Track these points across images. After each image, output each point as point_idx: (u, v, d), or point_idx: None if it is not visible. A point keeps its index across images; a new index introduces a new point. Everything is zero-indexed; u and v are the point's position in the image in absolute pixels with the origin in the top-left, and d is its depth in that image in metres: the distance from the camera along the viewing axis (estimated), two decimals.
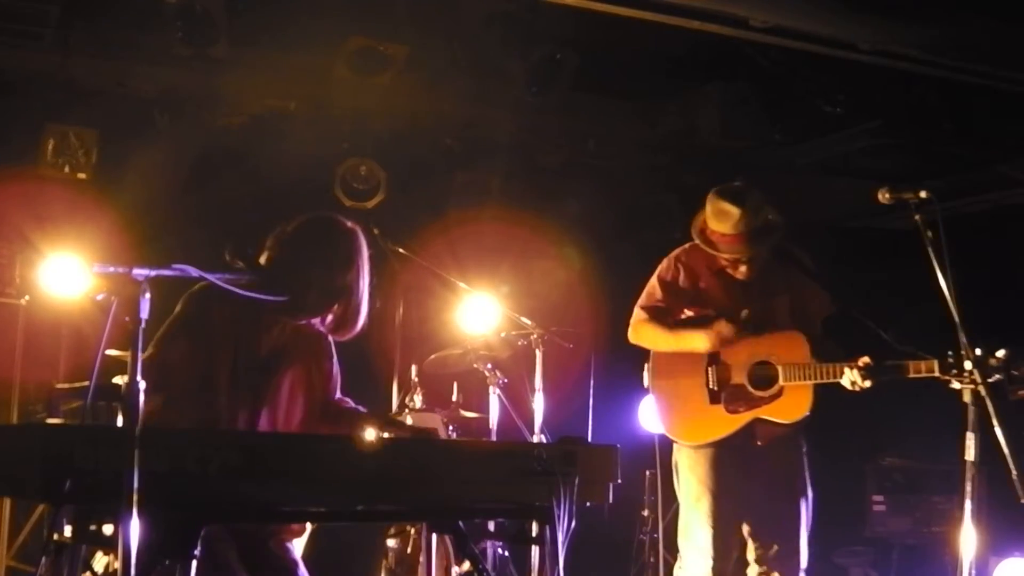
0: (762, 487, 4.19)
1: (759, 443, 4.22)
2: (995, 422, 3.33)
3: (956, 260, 3.61)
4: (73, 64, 5.79)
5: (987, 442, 3.35)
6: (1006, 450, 3.27)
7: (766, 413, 4.18)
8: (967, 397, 3.44)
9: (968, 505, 3.37)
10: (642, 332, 4.38)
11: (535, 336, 4.83)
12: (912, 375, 3.83)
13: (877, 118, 6.49)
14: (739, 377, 4.23)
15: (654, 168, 7.36)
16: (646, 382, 4.44)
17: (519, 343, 4.99)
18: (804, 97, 6.39)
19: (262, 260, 3.33)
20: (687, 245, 4.39)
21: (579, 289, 6.90)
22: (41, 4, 5.43)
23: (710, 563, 4.15)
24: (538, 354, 4.83)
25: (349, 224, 3.46)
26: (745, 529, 4.24)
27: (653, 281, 4.41)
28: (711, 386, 4.26)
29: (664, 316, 4.35)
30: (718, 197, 4.18)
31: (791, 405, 4.15)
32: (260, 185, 6.15)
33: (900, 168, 6.75)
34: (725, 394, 4.23)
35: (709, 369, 4.27)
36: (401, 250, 4.62)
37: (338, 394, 3.57)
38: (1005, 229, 7.01)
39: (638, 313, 4.40)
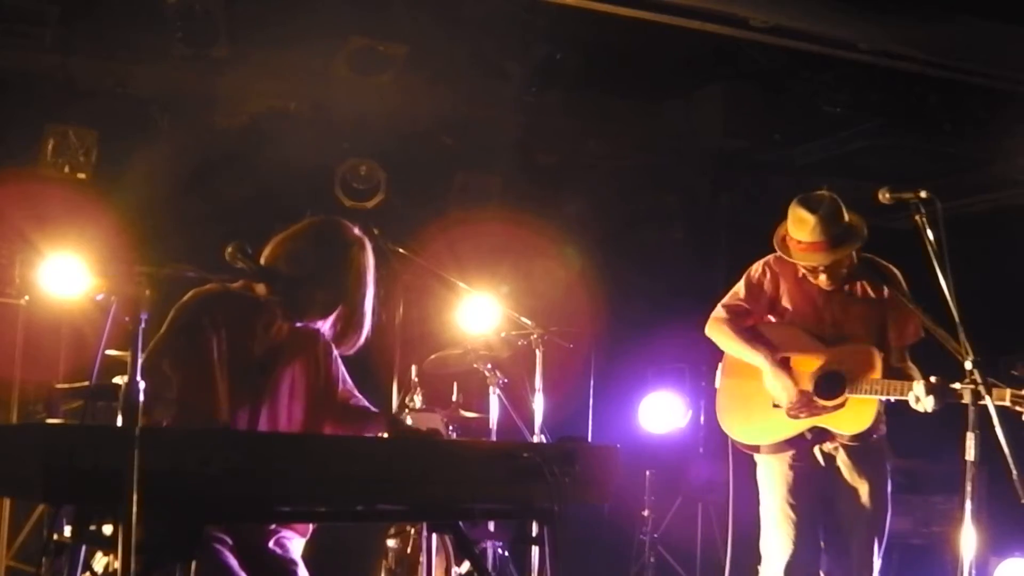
0: (843, 500, 4.19)
1: (836, 447, 4.20)
2: (995, 422, 3.33)
3: (956, 260, 3.61)
4: (73, 64, 5.79)
5: (987, 442, 3.35)
6: (1006, 450, 3.27)
7: (826, 422, 4.15)
8: (967, 397, 3.44)
9: (968, 505, 3.36)
10: (717, 330, 4.37)
11: (535, 336, 4.83)
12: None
13: (877, 118, 6.49)
14: (805, 384, 4.20)
15: (654, 168, 7.37)
16: (717, 381, 4.46)
17: (519, 343, 4.99)
18: (804, 97, 6.39)
19: (264, 260, 3.32)
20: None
21: (579, 289, 6.90)
22: (41, 4, 5.44)
23: (783, 569, 4.14)
24: (538, 354, 4.83)
25: (357, 232, 3.44)
26: (822, 537, 4.23)
27: (741, 281, 4.40)
28: None
29: (744, 317, 4.35)
30: (797, 205, 4.16)
31: (852, 417, 4.11)
32: (260, 185, 6.14)
33: (900, 168, 6.75)
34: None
35: None
36: (401, 250, 4.62)
37: (352, 392, 3.55)
38: (1005, 229, 7.01)
39: (719, 311, 4.39)
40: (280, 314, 3.33)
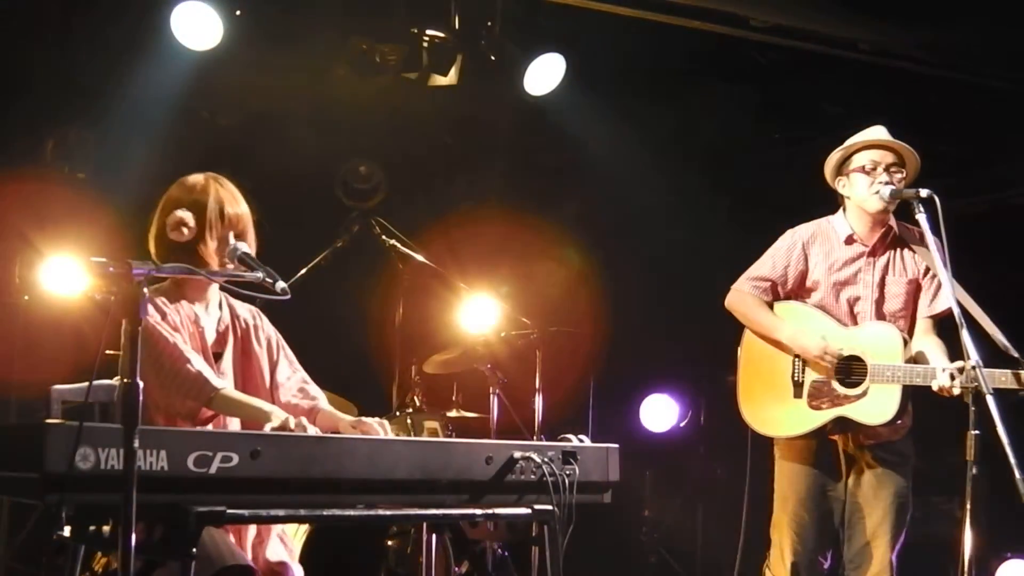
0: (862, 495, 4.08)
1: (862, 448, 4.09)
2: (997, 421, 3.32)
3: (956, 260, 3.61)
4: (73, 64, 5.79)
5: (988, 442, 3.35)
6: (1008, 450, 3.26)
7: (850, 413, 4.00)
8: (967, 397, 3.44)
9: (968, 505, 3.36)
10: (739, 303, 4.24)
11: (535, 336, 4.83)
12: (1011, 387, 3.61)
13: (877, 118, 6.48)
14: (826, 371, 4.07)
15: (654, 168, 7.37)
16: (738, 367, 4.30)
17: (519, 343, 5.00)
18: (804, 97, 6.39)
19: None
20: (814, 221, 4.27)
21: (579, 289, 6.90)
22: (41, 4, 5.44)
23: (791, 560, 4.09)
24: (538, 354, 4.83)
25: (197, 177, 3.50)
26: (841, 532, 4.14)
27: (767, 253, 4.27)
28: (795, 378, 4.11)
29: (768, 292, 4.22)
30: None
31: (876, 406, 3.95)
32: (260, 185, 6.13)
33: None
34: (809, 387, 4.07)
35: (796, 359, 4.12)
36: (402, 249, 4.64)
37: (298, 382, 3.44)
38: (1005, 229, 7.01)
39: (743, 283, 4.26)
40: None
